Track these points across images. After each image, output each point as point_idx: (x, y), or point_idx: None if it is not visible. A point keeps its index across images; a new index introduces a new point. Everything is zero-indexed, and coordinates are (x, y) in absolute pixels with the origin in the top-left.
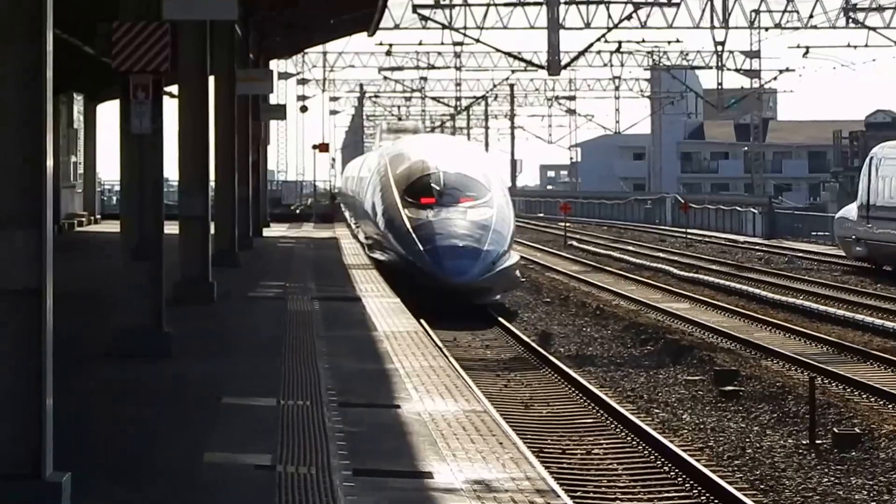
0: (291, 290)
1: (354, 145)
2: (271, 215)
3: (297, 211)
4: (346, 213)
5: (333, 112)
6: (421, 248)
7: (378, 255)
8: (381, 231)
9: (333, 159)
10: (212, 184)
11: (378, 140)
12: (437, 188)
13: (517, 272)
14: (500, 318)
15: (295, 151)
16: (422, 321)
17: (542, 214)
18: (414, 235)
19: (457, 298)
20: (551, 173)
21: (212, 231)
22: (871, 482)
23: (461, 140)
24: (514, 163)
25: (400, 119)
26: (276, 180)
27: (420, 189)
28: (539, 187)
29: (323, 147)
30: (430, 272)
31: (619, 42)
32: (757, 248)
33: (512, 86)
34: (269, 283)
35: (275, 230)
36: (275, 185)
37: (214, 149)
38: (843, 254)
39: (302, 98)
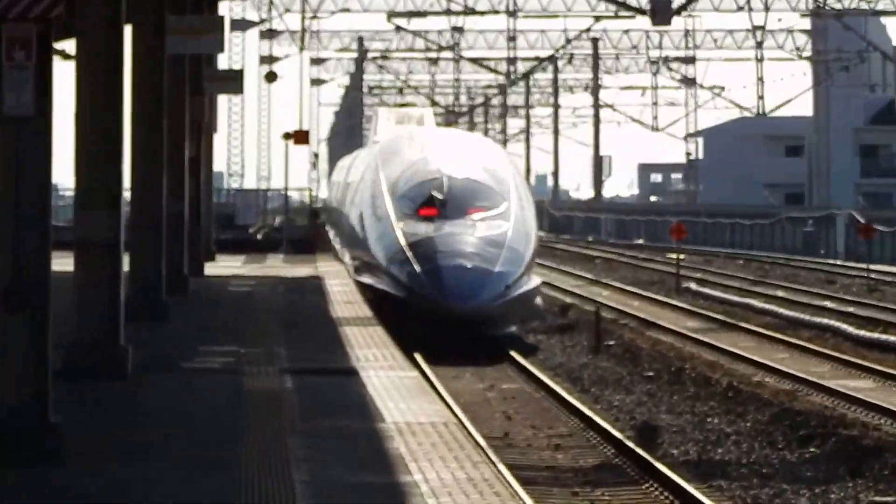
0: (250, 359)
1: (348, 134)
2: (219, 242)
3: (259, 236)
4: (333, 235)
5: (318, 82)
6: (418, 269)
7: (366, 280)
8: (369, 249)
9: (316, 156)
10: (127, 194)
11: (373, 133)
12: (440, 197)
13: (538, 299)
14: (512, 353)
15: (256, 144)
16: (435, 384)
17: (641, 241)
18: (410, 254)
19: (462, 329)
20: (657, 177)
21: (126, 266)
22: None
23: (473, 135)
24: (598, 161)
25: (403, 104)
26: (228, 189)
27: (418, 198)
28: (637, 198)
29: (300, 137)
30: (429, 297)
31: None
32: None
33: (595, 41)
34: (216, 347)
35: (224, 265)
36: (225, 195)
37: (132, 139)
38: None
39: (269, 61)
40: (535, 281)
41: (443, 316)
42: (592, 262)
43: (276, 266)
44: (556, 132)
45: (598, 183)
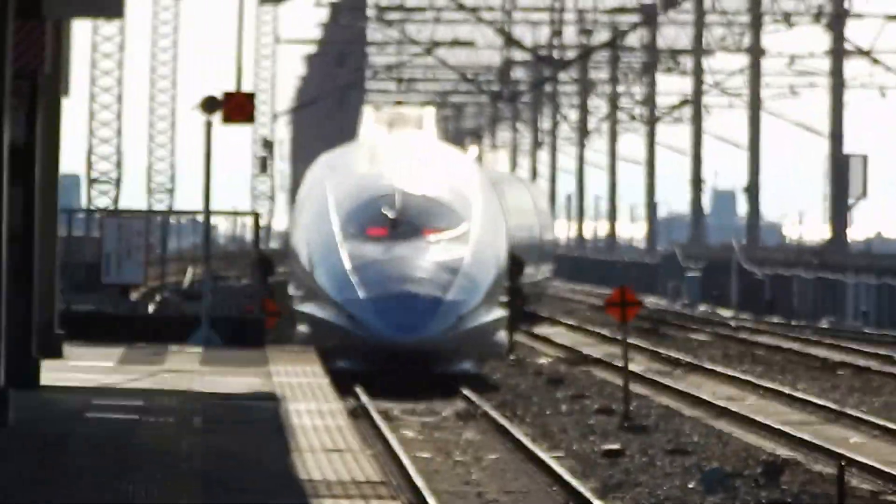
0: None
1: (339, 101)
2: (68, 320)
3: (152, 307)
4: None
5: None
6: (362, 295)
7: (307, 309)
8: (311, 273)
9: (269, 145)
10: None
11: (363, 136)
12: (391, 215)
13: (500, 333)
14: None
15: (147, 121)
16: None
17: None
18: (353, 279)
19: (408, 364)
20: None
21: None
22: None
23: (441, 144)
24: (840, 166)
25: (399, 102)
26: (90, 209)
27: (367, 216)
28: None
29: (235, 108)
30: (372, 327)
31: None
32: None
33: None
34: None
35: (80, 367)
36: (84, 223)
37: None
38: None
39: None
40: (496, 312)
41: (387, 350)
42: (831, 374)
43: (187, 371)
44: (697, 137)
45: (840, 211)
